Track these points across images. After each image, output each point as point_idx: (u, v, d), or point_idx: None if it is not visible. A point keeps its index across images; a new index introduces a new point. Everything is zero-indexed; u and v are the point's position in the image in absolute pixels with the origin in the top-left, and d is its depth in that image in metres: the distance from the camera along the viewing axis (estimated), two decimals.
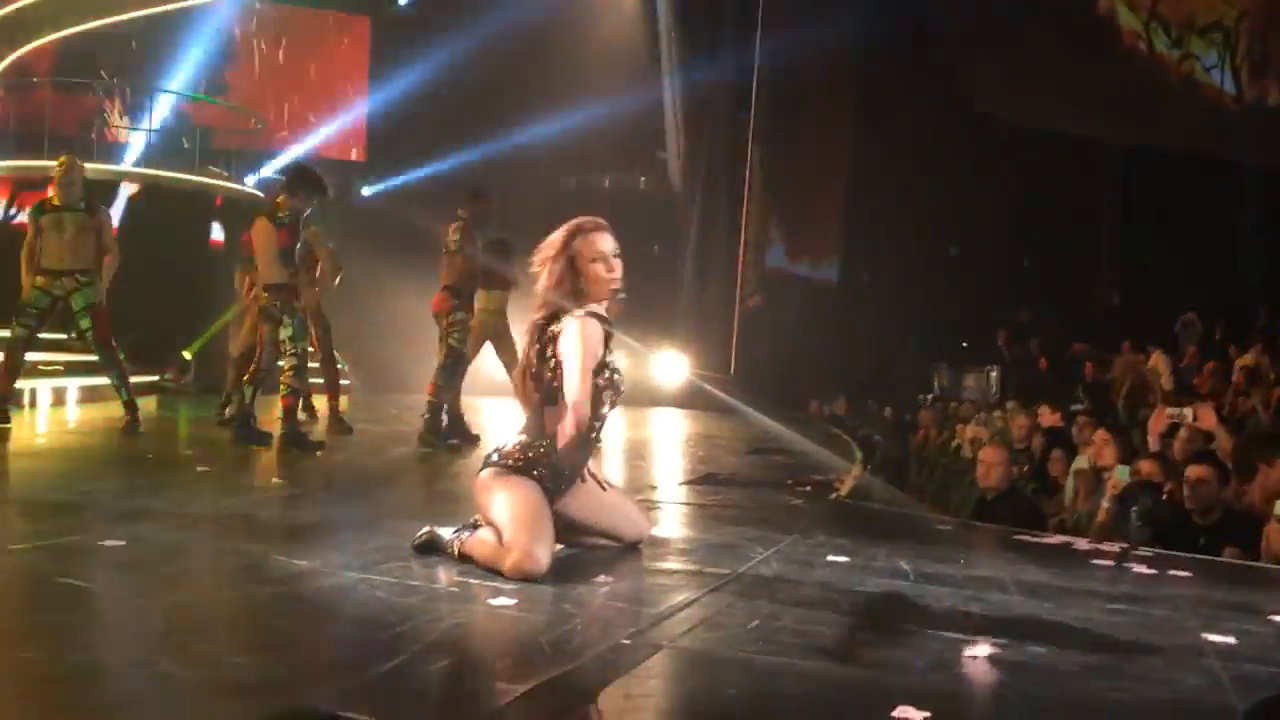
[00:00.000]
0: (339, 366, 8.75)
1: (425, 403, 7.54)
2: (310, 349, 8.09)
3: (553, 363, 3.53)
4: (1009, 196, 15.97)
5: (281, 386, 6.94)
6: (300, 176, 7.24)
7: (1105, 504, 5.09)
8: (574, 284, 3.55)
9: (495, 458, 3.56)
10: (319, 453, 6.74)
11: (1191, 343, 11.84)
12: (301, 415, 8.46)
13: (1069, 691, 2.47)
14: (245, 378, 7.26)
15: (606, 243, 3.59)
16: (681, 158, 17.09)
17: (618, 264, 3.59)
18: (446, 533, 3.55)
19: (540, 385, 3.56)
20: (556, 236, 3.60)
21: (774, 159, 17.21)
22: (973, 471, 6.73)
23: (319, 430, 8.00)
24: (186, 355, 12.16)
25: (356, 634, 2.74)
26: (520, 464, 3.50)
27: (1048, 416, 8.00)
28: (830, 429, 12.12)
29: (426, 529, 3.60)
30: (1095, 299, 16.80)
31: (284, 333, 6.92)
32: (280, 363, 6.93)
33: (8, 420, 7.25)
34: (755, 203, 17.02)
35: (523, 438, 3.57)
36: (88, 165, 9.20)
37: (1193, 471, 4.95)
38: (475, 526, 3.54)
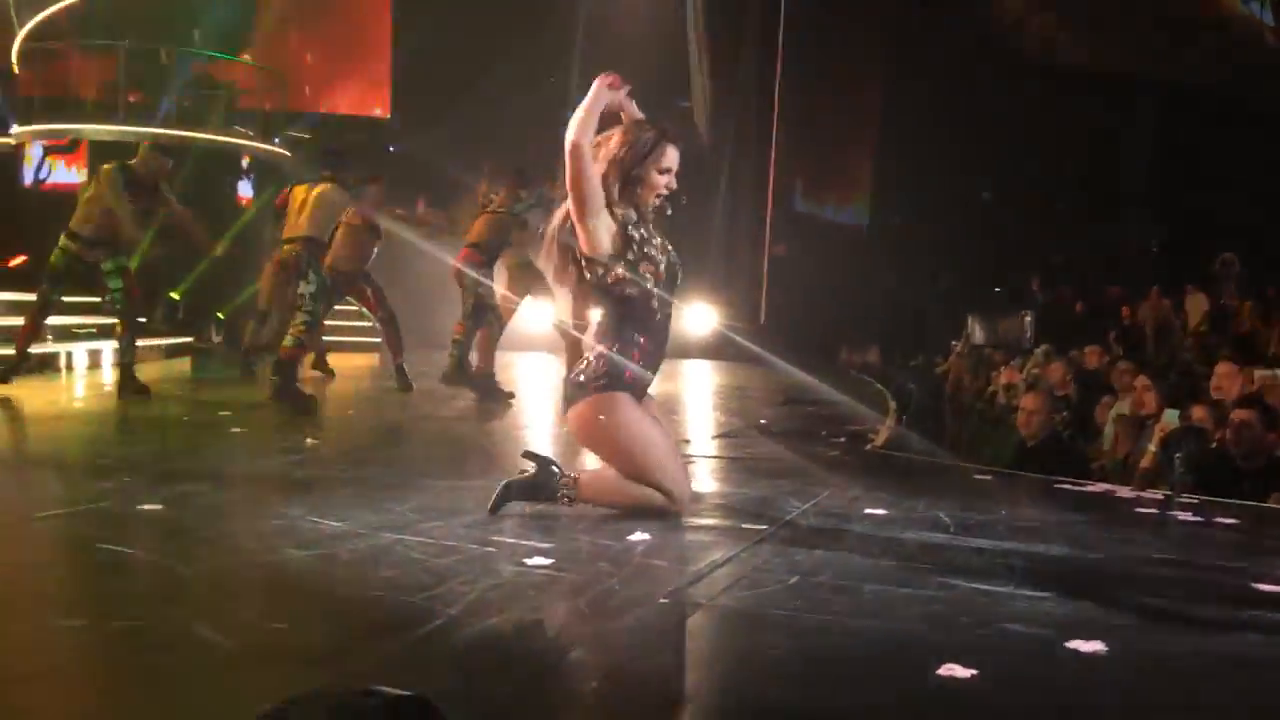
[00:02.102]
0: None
1: (451, 341, 7.56)
2: (369, 310, 8.18)
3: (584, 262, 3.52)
4: (1042, 138, 15.67)
5: (287, 338, 6.94)
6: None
7: (1151, 449, 5.00)
8: (624, 176, 3.52)
9: (583, 379, 3.54)
10: (310, 411, 6.70)
11: (1230, 283, 11.61)
12: (315, 373, 8.50)
13: (1120, 645, 2.41)
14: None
15: (675, 159, 3.60)
16: (706, 105, 16.86)
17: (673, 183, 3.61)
18: (546, 482, 3.53)
19: (581, 284, 3.56)
20: (638, 129, 3.57)
21: (802, 104, 16.93)
22: (1009, 419, 6.65)
23: (342, 389, 8.06)
24: (219, 315, 12.20)
25: (394, 597, 2.72)
26: (606, 377, 3.50)
27: (1093, 359, 7.86)
28: (862, 378, 12.03)
29: (503, 485, 3.55)
30: (1132, 241, 16.51)
31: (305, 288, 6.93)
32: (296, 317, 6.94)
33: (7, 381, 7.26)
34: (783, 149, 16.78)
35: (596, 349, 3.55)
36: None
37: (1237, 415, 4.85)
38: (554, 468, 3.55)
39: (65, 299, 9.81)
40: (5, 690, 2.08)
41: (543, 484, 3.54)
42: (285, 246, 7.16)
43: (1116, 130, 16.29)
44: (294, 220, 7.20)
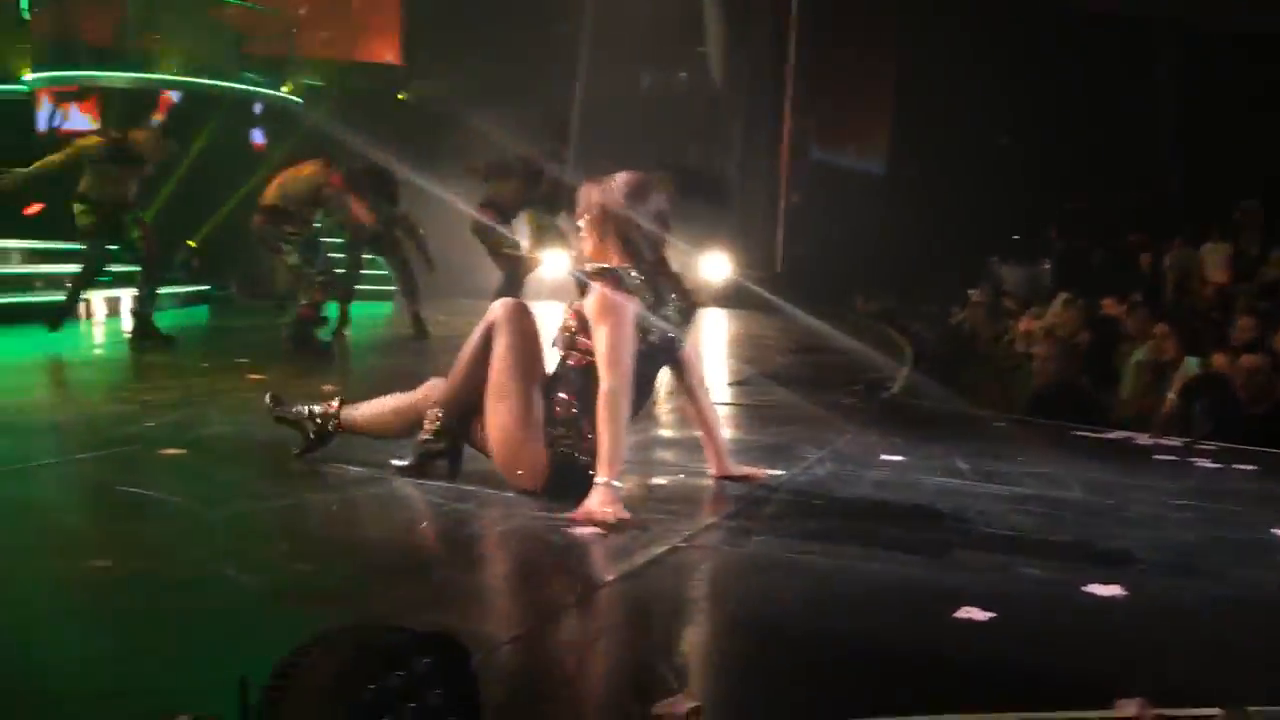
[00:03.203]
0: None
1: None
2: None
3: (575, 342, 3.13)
4: (1061, 82, 15.44)
5: (303, 296, 7.03)
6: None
7: (1171, 396, 4.98)
8: (623, 247, 3.15)
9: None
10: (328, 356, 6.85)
11: (1252, 231, 11.49)
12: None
13: (1137, 590, 2.42)
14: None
15: (662, 203, 3.24)
16: (721, 52, 16.65)
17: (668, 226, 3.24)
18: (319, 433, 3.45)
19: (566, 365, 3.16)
20: (606, 197, 3.17)
21: (818, 49, 16.70)
22: (1026, 366, 6.63)
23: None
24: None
25: (414, 540, 2.75)
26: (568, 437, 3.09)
27: (1111, 307, 7.82)
28: (879, 326, 11.99)
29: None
30: (1152, 187, 16.31)
31: (289, 259, 7.02)
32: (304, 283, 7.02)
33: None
34: (799, 95, 16.59)
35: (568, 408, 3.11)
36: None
37: (1246, 360, 4.83)
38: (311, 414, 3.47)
39: (57, 246, 9.86)
40: (35, 627, 2.11)
41: (317, 435, 3.44)
42: (255, 215, 7.24)
43: (1139, 73, 16.04)
44: (267, 187, 7.29)
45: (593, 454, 2.98)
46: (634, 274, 3.12)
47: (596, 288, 3.07)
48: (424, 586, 2.36)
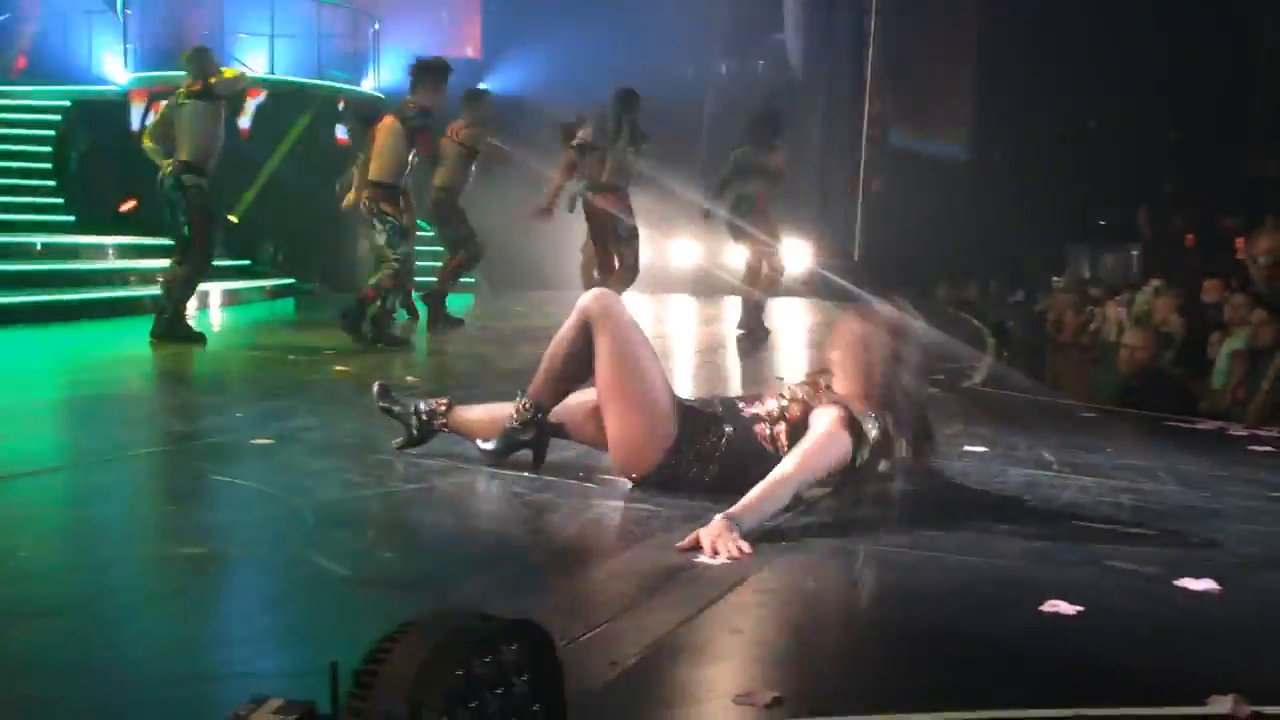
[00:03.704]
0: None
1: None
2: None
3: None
4: (1151, 63, 14.98)
5: (371, 279, 7.04)
6: (422, 69, 7.18)
7: (1266, 386, 4.83)
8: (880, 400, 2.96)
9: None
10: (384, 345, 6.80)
11: None
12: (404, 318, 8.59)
13: (1231, 585, 2.36)
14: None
15: (919, 355, 3.06)
16: (801, 39, 16.51)
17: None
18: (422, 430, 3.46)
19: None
20: (871, 343, 2.99)
21: (900, 32, 16.46)
22: (1113, 356, 6.47)
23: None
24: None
25: (495, 529, 2.79)
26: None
27: (1211, 293, 7.60)
28: (961, 315, 11.80)
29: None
30: (1248, 170, 15.76)
31: (376, 236, 7.00)
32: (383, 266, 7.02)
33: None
34: (879, 80, 16.37)
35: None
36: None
37: None
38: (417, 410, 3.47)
39: (150, 242, 10.03)
40: (133, 611, 2.19)
41: (420, 431, 3.45)
42: (363, 193, 7.13)
43: (1230, 50, 15.49)
44: (370, 168, 7.13)
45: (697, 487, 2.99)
46: (874, 428, 2.91)
47: (835, 414, 2.88)
48: (505, 575, 2.39)
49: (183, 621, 2.15)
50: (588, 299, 3.19)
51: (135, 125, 13.72)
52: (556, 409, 3.26)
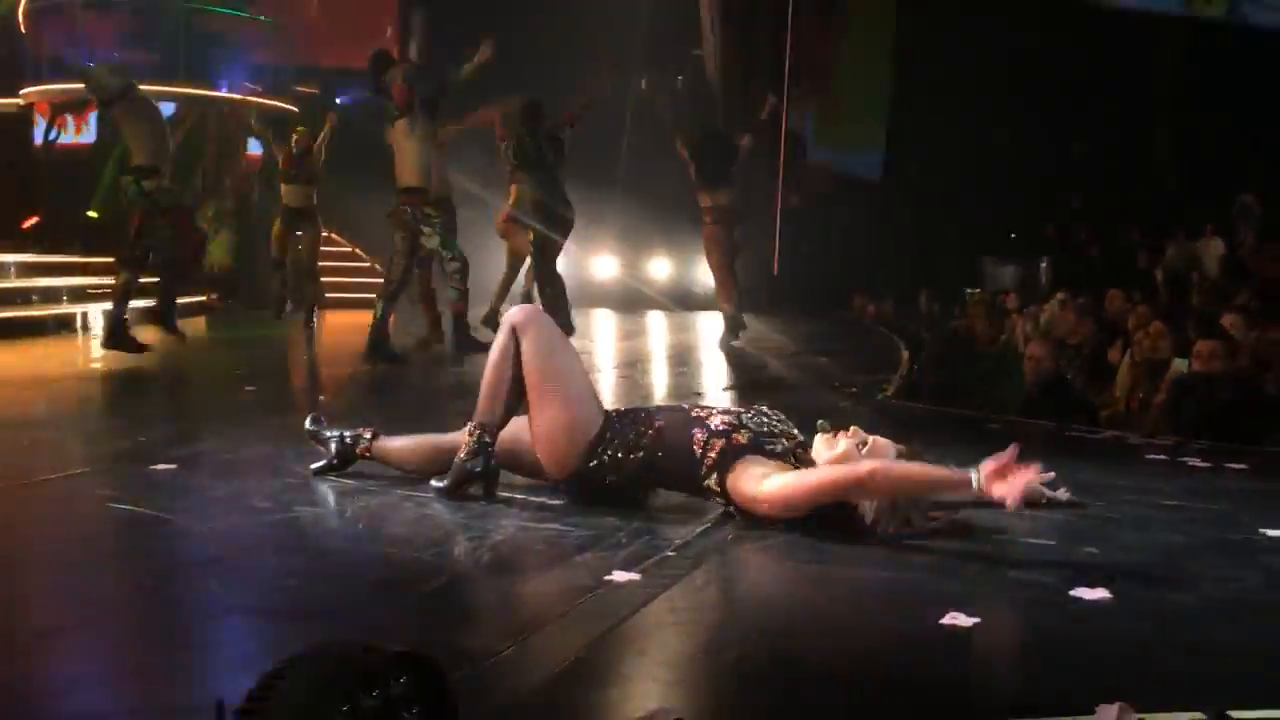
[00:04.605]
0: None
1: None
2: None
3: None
4: (1058, 79, 15.44)
5: (452, 293, 6.93)
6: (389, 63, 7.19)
7: (1159, 397, 4.99)
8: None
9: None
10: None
11: (1248, 226, 11.51)
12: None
13: (1124, 593, 2.43)
14: (377, 293, 7.03)
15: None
16: (718, 54, 16.67)
17: None
18: (343, 453, 3.47)
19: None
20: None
21: (816, 51, 16.71)
22: (1022, 367, 6.63)
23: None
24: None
25: (404, 553, 2.76)
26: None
27: (1114, 303, 7.85)
28: (876, 327, 12.01)
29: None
30: (1151, 183, 16.30)
31: (428, 241, 6.83)
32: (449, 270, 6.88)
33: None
34: (796, 98, 16.59)
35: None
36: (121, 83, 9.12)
37: (1202, 348, 4.83)
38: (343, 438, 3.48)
39: (85, 259, 9.83)
40: (24, 646, 2.12)
41: (341, 455, 3.47)
42: (398, 198, 6.92)
43: (1138, 66, 15.99)
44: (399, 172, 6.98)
45: (619, 477, 3.09)
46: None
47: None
48: (409, 603, 2.37)
49: (72, 659, 2.09)
50: (513, 311, 3.35)
51: (38, 139, 13.36)
52: (499, 443, 3.25)
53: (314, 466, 3.47)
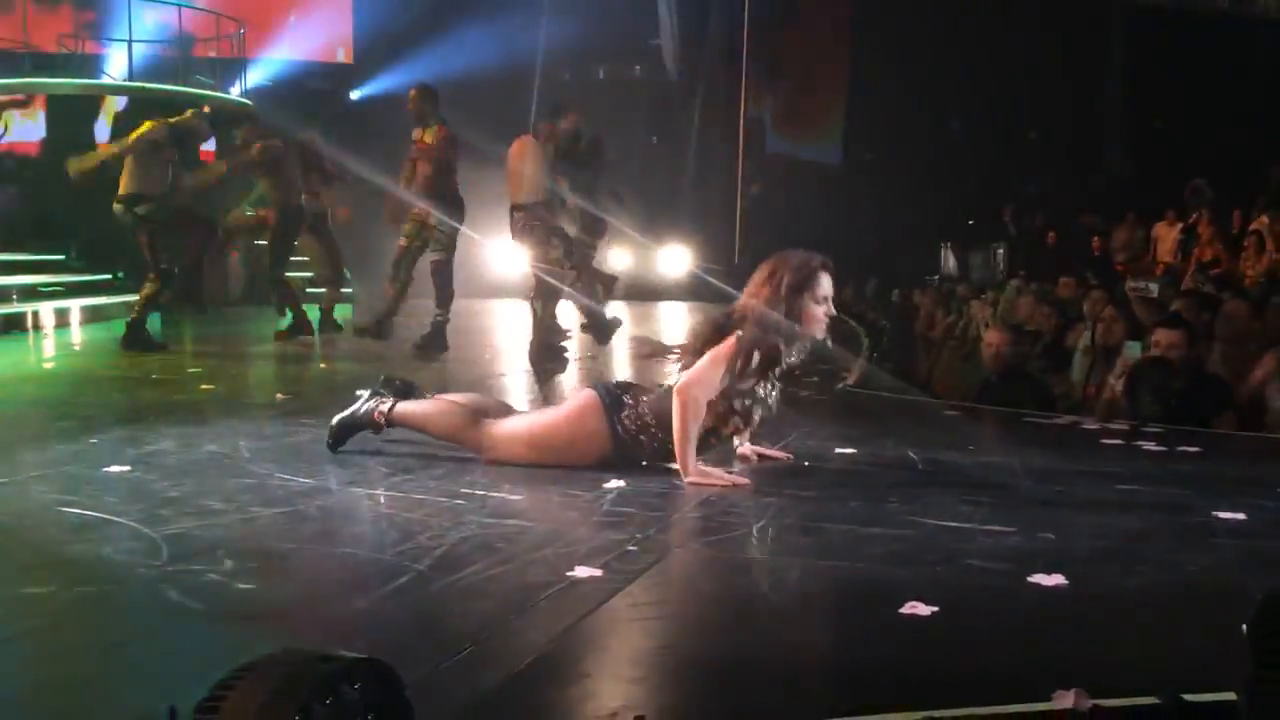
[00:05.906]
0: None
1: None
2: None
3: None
4: (1011, 66, 15.56)
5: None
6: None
7: (1114, 381, 5.05)
8: (787, 313, 3.54)
9: (616, 408, 3.53)
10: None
11: (1200, 209, 11.64)
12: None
13: (1079, 579, 2.45)
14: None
15: (829, 287, 3.65)
16: (675, 44, 16.68)
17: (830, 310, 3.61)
18: (360, 412, 3.71)
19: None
20: (790, 267, 3.63)
21: (773, 40, 16.76)
22: (977, 354, 6.68)
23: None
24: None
25: (362, 553, 2.73)
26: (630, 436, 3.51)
27: (1067, 290, 7.91)
28: (836, 316, 12.02)
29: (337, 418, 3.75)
30: (1105, 168, 16.49)
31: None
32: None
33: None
34: (754, 87, 16.63)
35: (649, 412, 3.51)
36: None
37: (1162, 337, 4.88)
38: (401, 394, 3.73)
39: (29, 257, 9.76)
40: None
41: (360, 415, 3.72)
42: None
43: (1090, 52, 16.16)
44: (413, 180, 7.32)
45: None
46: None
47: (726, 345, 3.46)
48: (366, 605, 2.34)
49: (20, 668, 2.05)
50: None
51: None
52: (489, 444, 3.56)
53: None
